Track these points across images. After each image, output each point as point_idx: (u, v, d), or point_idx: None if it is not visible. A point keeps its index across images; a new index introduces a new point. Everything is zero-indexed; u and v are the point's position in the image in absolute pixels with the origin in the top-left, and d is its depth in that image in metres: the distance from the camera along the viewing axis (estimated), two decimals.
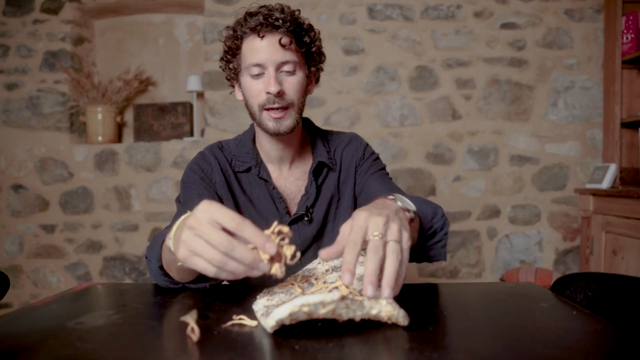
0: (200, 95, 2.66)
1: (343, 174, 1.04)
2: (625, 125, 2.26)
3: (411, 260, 0.77)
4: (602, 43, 2.41)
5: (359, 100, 2.44)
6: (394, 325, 0.54)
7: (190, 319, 0.51)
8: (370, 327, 0.53)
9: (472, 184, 2.46)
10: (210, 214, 0.53)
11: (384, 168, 1.07)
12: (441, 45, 2.44)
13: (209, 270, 0.53)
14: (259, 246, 0.52)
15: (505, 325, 0.55)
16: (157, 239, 0.76)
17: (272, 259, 0.54)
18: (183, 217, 0.62)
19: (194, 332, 0.50)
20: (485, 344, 0.49)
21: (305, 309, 0.48)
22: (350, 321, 0.54)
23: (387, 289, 0.53)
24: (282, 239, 0.56)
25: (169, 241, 0.62)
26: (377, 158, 1.09)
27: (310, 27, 0.97)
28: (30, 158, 2.50)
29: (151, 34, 2.74)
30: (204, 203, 0.55)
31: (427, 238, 0.82)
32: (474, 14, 2.44)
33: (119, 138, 2.70)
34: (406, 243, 0.58)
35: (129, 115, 2.74)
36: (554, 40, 2.44)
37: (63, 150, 2.49)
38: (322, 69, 1.03)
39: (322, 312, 0.49)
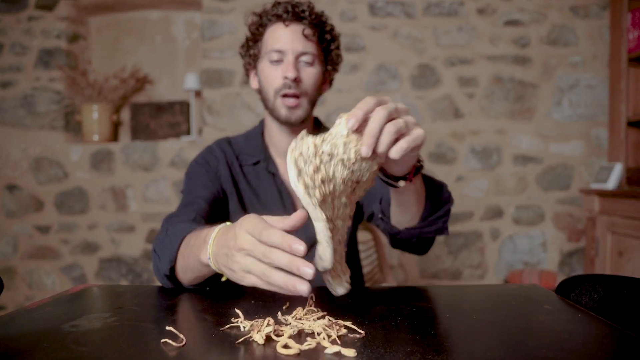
0: (198, 93, 2.62)
1: None
2: (631, 124, 2.22)
3: (416, 236, 0.80)
4: (607, 40, 2.37)
5: (359, 99, 2.35)
6: (396, 328, 0.54)
7: None
8: (371, 328, 0.53)
9: (474, 184, 2.42)
10: (249, 230, 0.53)
11: None
12: (443, 43, 2.40)
13: (259, 283, 0.52)
14: (286, 246, 0.50)
15: (509, 328, 0.54)
16: (174, 238, 0.73)
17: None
18: (217, 229, 0.61)
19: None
20: (488, 347, 0.48)
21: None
22: (352, 324, 0.53)
23: (381, 145, 0.55)
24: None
25: (208, 260, 0.61)
26: None
27: (333, 28, 1.02)
28: (25, 158, 2.46)
29: (148, 31, 2.70)
30: (245, 221, 0.54)
31: (434, 209, 0.80)
32: (477, 10, 2.40)
33: (115, 137, 2.66)
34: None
35: (125, 114, 2.70)
36: (559, 37, 2.40)
37: (58, 149, 2.45)
38: (337, 70, 1.09)
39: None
